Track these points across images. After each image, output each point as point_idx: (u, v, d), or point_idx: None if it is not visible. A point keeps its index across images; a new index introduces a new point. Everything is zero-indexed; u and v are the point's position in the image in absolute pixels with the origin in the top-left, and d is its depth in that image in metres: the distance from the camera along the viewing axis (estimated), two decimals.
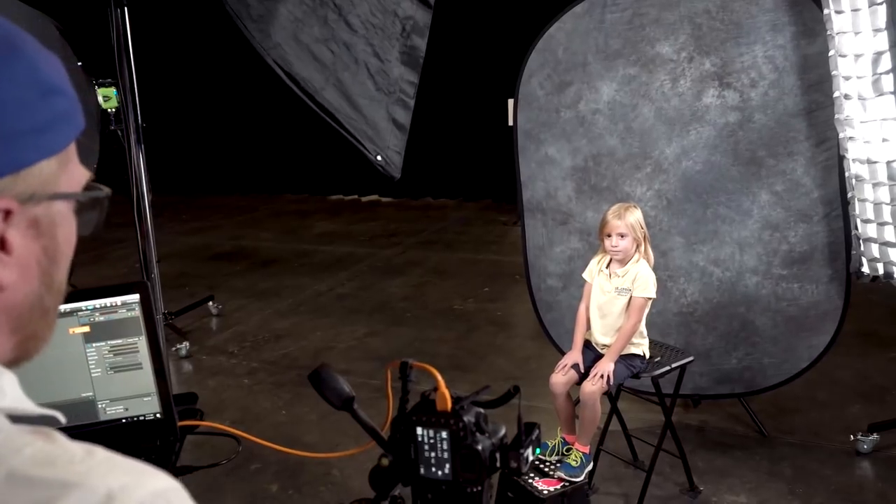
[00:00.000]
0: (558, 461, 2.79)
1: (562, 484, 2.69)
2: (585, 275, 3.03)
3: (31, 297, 0.57)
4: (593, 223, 3.51)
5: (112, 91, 5.14)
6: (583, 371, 2.85)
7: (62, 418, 0.58)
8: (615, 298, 2.88)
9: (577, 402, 2.88)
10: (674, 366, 2.94)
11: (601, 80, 3.55)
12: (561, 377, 2.84)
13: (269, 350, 4.82)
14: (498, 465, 0.97)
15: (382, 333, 5.05)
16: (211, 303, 5.52)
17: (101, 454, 0.51)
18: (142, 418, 1.27)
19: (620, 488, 3.09)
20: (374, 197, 10.39)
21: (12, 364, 0.59)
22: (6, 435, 0.50)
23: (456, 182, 9.71)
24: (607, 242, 2.86)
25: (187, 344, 4.76)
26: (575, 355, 2.89)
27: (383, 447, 1.00)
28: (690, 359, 3.01)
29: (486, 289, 5.96)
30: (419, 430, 0.97)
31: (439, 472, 0.96)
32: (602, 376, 2.75)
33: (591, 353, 2.92)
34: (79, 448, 0.51)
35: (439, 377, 0.98)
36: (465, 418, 0.95)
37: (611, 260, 2.92)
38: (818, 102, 3.15)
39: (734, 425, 3.56)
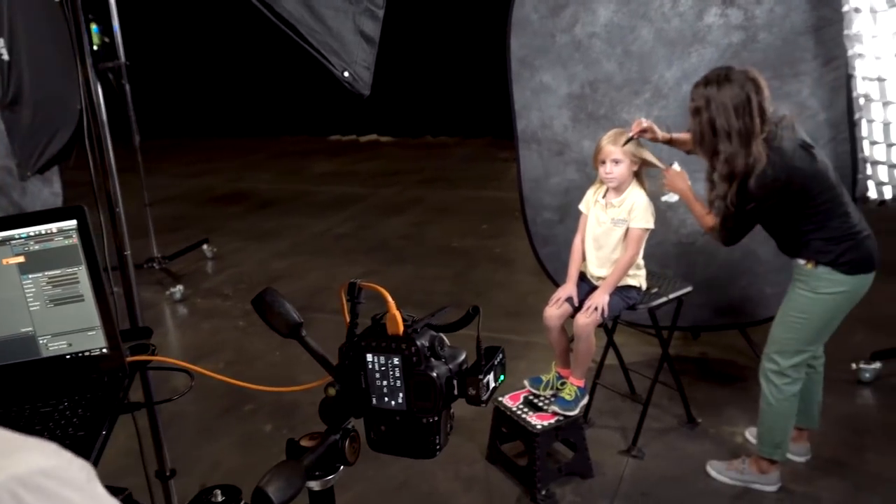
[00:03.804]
0: (553, 395, 2.74)
1: (556, 418, 2.64)
2: (581, 206, 2.92)
3: None
4: (590, 153, 3.36)
5: (93, 27, 4.92)
6: (577, 304, 2.77)
7: None
8: (611, 230, 2.77)
9: (573, 336, 2.81)
10: (671, 297, 2.86)
11: (598, 2, 3.36)
12: (554, 310, 2.76)
13: None
14: (456, 392, 0.89)
15: (380, 272, 4.98)
16: (205, 246, 5.45)
17: None
18: (87, 354, 1.20)
19: (617, 421, 3.05)
20: (373, 136, 10.21)
21: None
22: None
23: (456, 120, 9.51)
24: (601, 170, 2.74)
25: (181, 287, 4.71)
26: (569, 288, 2.80)
27: (333, 376, 0.92)
28: (689, 289, 2.92)
29: (485, 226, 5.86)
30: (369, 357, 0.88)
31: (392, 402, 0.88)
32: (596, 309, 2.67)
33: (586, 286, 2.83)
34: None
35: (389, 298, 0.90)
36: (419, 342, 0.86)
37: (607, 190, 2.81)
38: (827, 18, 2.97)
39: (735, 357, 3.50)
